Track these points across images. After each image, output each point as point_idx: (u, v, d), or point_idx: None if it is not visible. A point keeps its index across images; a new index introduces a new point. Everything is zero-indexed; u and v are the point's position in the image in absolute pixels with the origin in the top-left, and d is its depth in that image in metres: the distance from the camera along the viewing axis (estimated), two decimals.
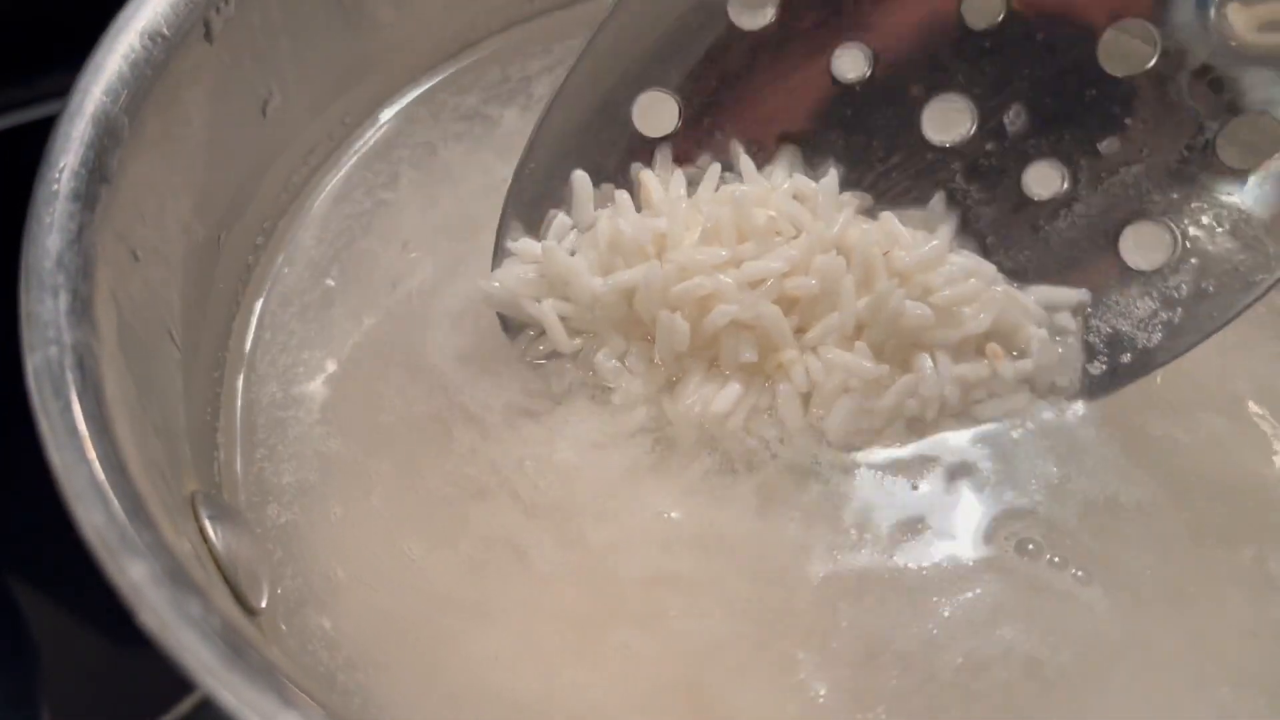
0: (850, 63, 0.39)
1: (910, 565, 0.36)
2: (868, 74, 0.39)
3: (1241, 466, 0.38)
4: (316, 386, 0.40)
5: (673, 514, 0.36)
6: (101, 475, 0.27)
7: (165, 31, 0.35)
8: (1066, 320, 0.39)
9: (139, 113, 0.34)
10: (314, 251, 0.43)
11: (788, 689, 0.34)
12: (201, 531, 0.32)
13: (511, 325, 0.39)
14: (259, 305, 0.41)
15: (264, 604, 0.34)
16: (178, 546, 0.26)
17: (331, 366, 0.40)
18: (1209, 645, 0.34)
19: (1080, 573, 0.35)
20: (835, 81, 0.39)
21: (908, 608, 0.35)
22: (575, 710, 0.34)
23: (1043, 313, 0.39)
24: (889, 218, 0.38)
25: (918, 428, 0.38)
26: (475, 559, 0.36)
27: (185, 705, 0.39)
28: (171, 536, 0.27)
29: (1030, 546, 0.36)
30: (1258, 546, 0.36)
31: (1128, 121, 0.37)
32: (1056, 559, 0.36)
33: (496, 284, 0.39)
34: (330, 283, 0.42)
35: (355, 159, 0.45)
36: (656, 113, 0.40)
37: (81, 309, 0.30)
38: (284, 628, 0.34)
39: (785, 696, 0.33)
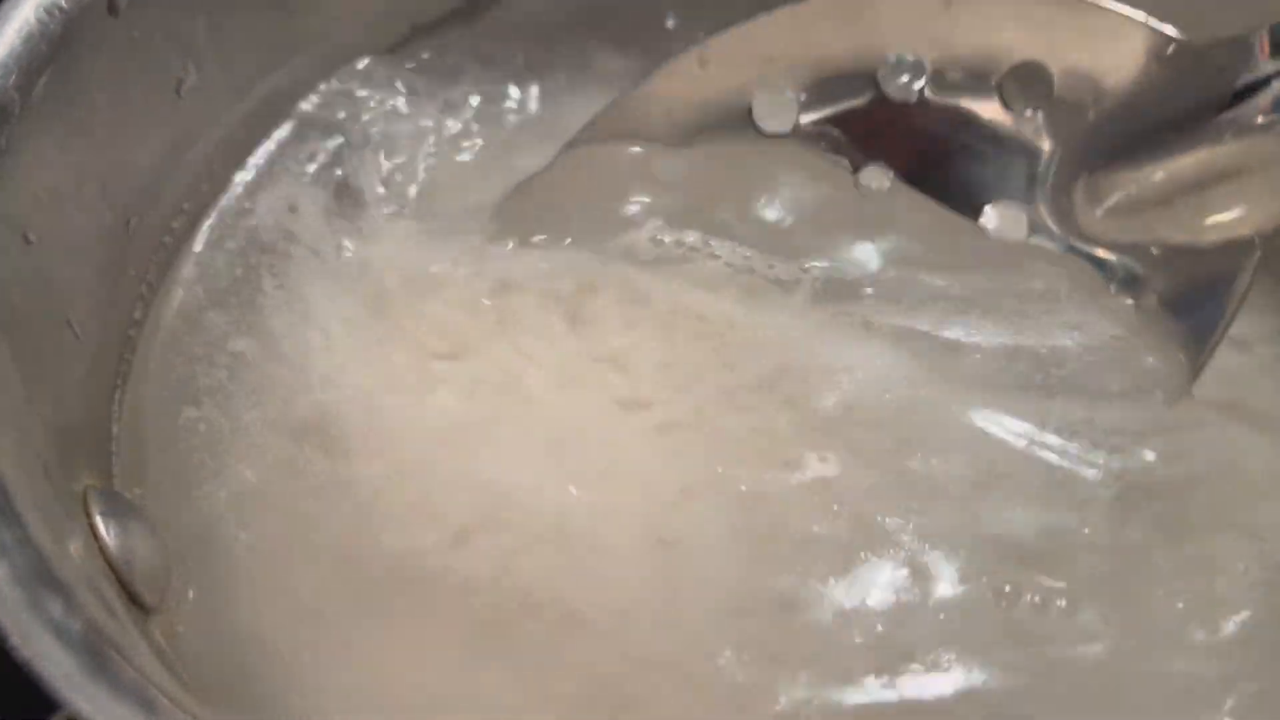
0: None
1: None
2: None
3: None
4: (234, 376, 0.38)
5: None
6: None
7: (63, 4, 0.34)
8: None
9: (32, 89, 0.32)
10: (235, 237, 0.41)
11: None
12: (92, 529, 0.30)
13: None
14: (174, 293, 0.40)
15: (161, 603, 0.33)
16: (46, 544, 0.25)
17: (251, 356, 0.39)
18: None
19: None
20: None
21: None
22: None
23: None
24: None
25: None
26: (398, 549, 0.35)
27: None
28: (41, 534, 0.25)
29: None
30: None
31: None
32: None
33: None
34: (252, 271, 0.40)
35: (282, 143, 0.44)
36: None
37: None
38: (183, 626, 0.33)
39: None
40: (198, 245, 0.41)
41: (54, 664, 0.22)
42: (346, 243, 0.41)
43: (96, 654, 0.23)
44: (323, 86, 0.44)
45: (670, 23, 0.46)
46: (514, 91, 0.46)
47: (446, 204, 0.43)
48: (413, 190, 0.43)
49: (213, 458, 0.37)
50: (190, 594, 0.34)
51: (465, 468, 0.36)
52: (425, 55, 0.46)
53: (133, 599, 0.31)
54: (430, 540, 0.35)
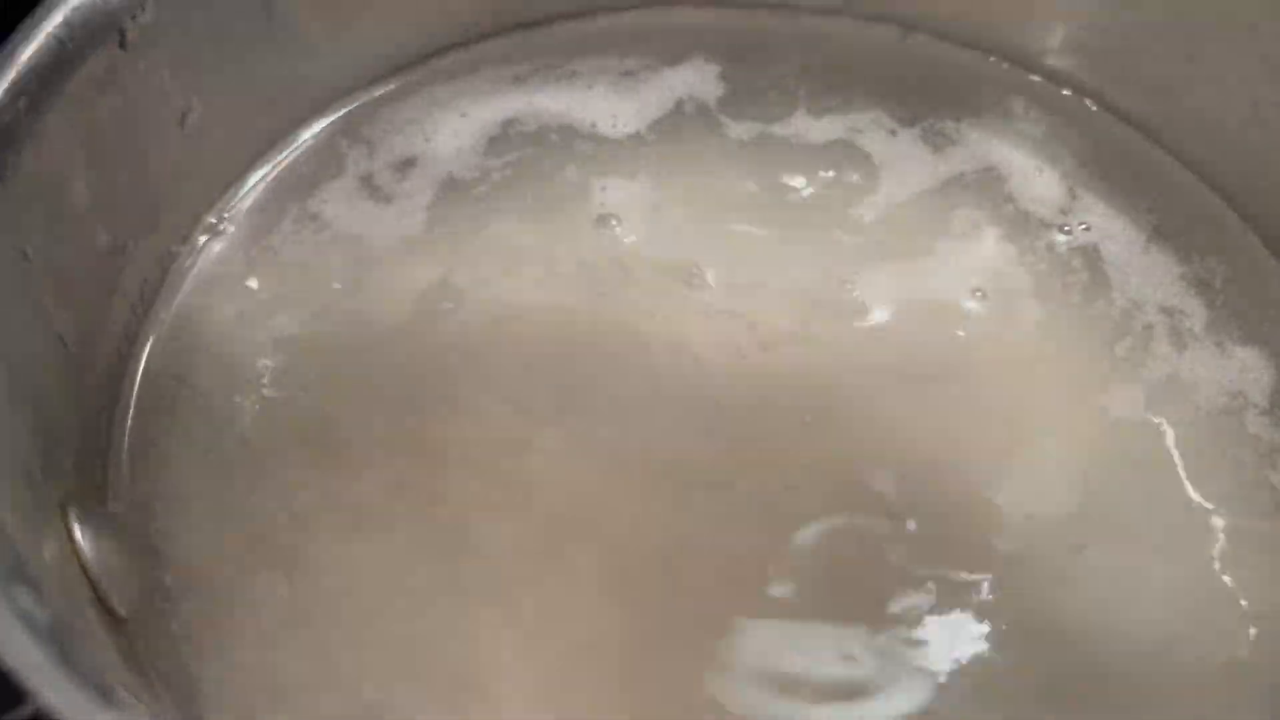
0: None
1: None
2: None
3: None
4: (222, 399, 0.39)
5: None
6: None
7: (76, 34, 0.35)
8: None
9: (42, 114, 0.34)
10: (233, 264, 0.42)
11: None
12: (69, 534, 0.31)
13: None
14: (167, 315, 0.41)
15: (134, 614, 0.33)
16: (21, 543, 0.26)
17: (241, 381, 0.40)
18: None
19: None
20: None
21: None
22: None
23: None
24: None
25: None
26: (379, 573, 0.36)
27: None
28: (18, 533, 0.26)
29: None
30: None
31: None
32: None
33: None
34: (250, 297, 0.42)
35: (282, 175, 0.45)
36: None
37: None
38: (156, 638, 0.34)
39: None
40: (194, 270, 0.42)
41: (20, 653, 0.23)
42: None
43: (62, 646, 0.24)
44: (321, 123, 0.46)
45: None
46: None
47: None
48: None
49: (196, 477, 0.38)
50: (164, 609, 0.35)
51: None
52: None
53: (106, 607, 0.32)
54: None
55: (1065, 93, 0.47)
